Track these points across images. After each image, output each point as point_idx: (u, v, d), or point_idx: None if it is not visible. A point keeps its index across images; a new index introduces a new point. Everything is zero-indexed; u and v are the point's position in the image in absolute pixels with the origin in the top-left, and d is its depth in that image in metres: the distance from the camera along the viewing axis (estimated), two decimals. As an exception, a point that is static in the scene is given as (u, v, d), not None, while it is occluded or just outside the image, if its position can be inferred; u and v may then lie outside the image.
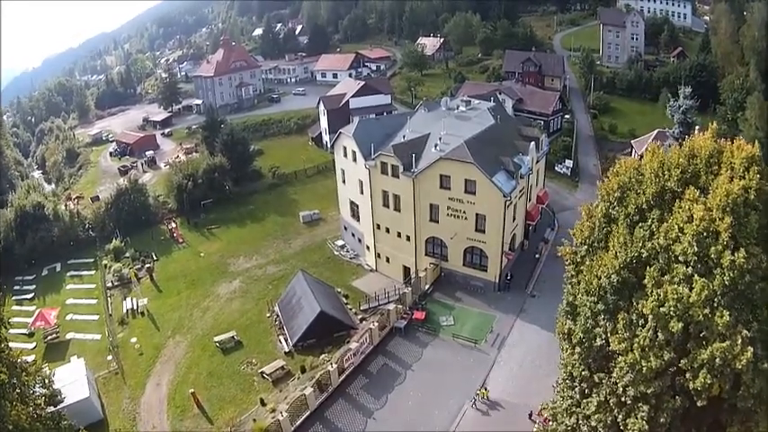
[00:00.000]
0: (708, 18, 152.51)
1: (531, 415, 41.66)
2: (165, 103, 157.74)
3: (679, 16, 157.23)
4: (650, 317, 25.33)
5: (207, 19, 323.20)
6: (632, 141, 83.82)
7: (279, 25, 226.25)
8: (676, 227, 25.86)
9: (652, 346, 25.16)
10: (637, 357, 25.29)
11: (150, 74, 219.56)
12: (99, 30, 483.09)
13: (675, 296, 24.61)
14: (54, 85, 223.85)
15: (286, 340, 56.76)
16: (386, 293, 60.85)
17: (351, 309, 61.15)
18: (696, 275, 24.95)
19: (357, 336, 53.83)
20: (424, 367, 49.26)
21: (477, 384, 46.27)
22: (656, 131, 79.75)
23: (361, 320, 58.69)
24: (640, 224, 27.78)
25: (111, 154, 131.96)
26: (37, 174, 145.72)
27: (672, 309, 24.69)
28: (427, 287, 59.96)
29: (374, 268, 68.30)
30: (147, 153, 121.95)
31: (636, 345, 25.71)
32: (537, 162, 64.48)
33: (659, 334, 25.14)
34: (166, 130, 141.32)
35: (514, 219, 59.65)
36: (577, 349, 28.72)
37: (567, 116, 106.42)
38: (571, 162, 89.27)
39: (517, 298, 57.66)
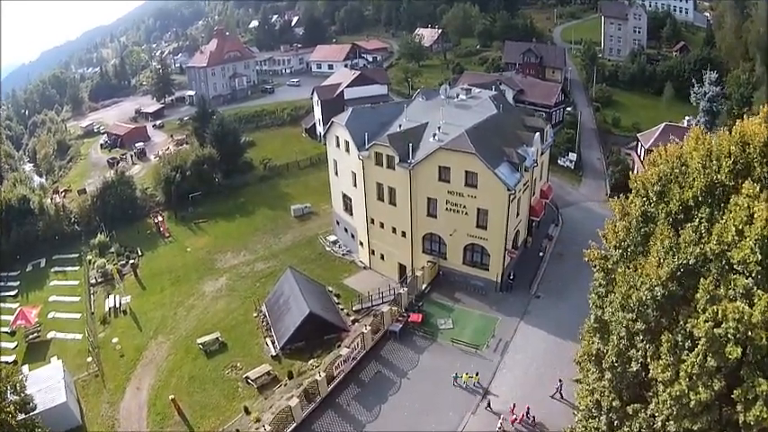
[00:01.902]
0: (708, 14, 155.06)
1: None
2: (158, 94, 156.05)
3: (680, 11, 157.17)
4: (702, 339, 21.01)
5: (203, 11, 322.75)
6: (638, 135, 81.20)
7: (275, 17, 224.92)
8: (733, 229, 21.43)
9: (701, 373, 21.01)
10: (684, 388, 21.13)
11: (146, 66, 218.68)
12: (97, 23, 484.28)
13: (735, 315, 20.17)
14: (48, 78, 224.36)
15: (273, 343, 54.07)
16: (380, 293, 57.98)
17: (342, 309, 58.42)
18: (758, 289, 20.62)
19: (349, 340, 50.54)
20: (420, 375, 45.73)
21: (478, 394, 43.13)
22: (663, 125, 77.28)
23: (354, 322, 55.81)
24: (686, 224, 23.49)
25: (101, 146, 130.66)
26: (28, 167, 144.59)
27: (730, 330, 20.25)
28: (424, 287, 56.65)
29: (368, 266, 65.71)
30: (136, 145, 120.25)
31: (682, 372, 21.56)
32: (542, 154, 61.19)
33: (709, 359, 20.92)
34: (158, 122, 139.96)
35: (518, 214, 56.37)
36: (608, 375, 24.58)
37: (569, 108, 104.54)
38: (575, 155, 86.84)
39: (520, 299, 54.41)
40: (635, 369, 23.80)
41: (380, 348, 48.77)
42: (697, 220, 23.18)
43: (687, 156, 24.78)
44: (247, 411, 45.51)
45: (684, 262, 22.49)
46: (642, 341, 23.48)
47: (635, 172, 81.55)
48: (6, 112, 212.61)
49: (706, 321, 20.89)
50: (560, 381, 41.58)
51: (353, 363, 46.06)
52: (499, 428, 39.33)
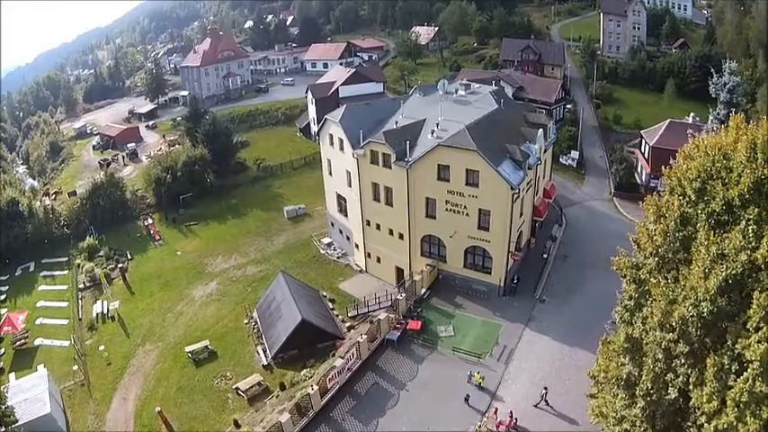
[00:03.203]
0: (706, 11, 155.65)
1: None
2: (152, 94, 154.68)
3: (679, 7, 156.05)
4: (755, 363, 18.08)
5: (199, 13, 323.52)
6: (642, 132, 79.38)
7: (270, 17, 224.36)
8: None
9: (749, 401, 18.21)
10: (732, 420, 18.30)
11: (140, 67, 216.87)
12: (92, 25, 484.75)
13: None
14: (43, 79, 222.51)
15: (264, 351, 51.71)
16: (377, 299, 55.59)
17: (338, 315, 56.04)
18: None
19: (344, 348, 47.97)
20: (420, 387, 43.17)
21: (483, 407, 40.74)
22: (668, 121, 75.43)
23: (349, 329, 53.30)
24: (732, 227, 20.45)
25: (93, 147, 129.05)
26: (22, 168, 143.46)
27: None
28: (423, 292, 54.26)
29: (364, 269, 63.45)
30: (128, 146, 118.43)
31: (729, 400, 18.69)
32: (545, 151, 58.90)
33: (758, 383, 18.10)
34: (151, 123, 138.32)
35: (521, 215, 54.08)
36: (641, 403, 21.54)
37: (569, 105, 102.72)
38: (577, 153, 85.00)
39: (525, 304, 51.95)
40: (672, 396, 20.87)
41: (377, 358, 46.32)
42: (743, 222, 20.12)
43: (729, 148, 21.63)
44: (237, 425, 43.19)
45: (734, 272, 19.46)
46: (683, 365, 20.54)
47: (639, 170, 79.91)
48: (0, 114, 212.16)
49: (759, 342, 18.01)
50: (545, 388, 39.95)
51: (348, 374, 43.59)
52: (479, 427, 38.30)
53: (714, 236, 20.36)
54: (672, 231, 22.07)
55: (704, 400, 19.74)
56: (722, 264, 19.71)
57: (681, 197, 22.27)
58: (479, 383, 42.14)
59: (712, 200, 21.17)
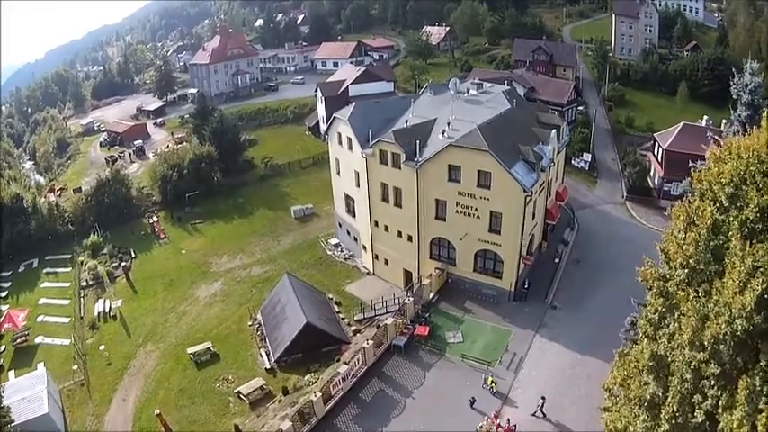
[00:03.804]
0: (717, 15, 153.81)
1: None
2: (160, 92, 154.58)
3: (691, 10, 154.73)
4: None
5: (209, 11, 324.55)
6: (655, 135, 78.22)
7: (280, 15, 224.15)
8: None
9: None
10: None
11: (150, 65, 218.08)
12: (103, 23, 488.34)
13: None
14: (52, 76, 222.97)
15: (268, 354, 50.70)
16: (384, 303, 54.42)
17: (344, 318, 54.89)
18: None
19: (349, 353, 46.77)
20: (427, 394, 41.85)
21: (491, 412, 39.34)
22: (681, 124, 74.23)
23: (355, 333, 52.17)
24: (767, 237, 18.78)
25: (100, 144, 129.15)
26: (28, 164, 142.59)
27: None
28: (432, 296, 52.95)
29: (371, 271, 62.33)
30: (135, 143, 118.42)
31: (760, 426, 17.23)
32: (558, 153, 57.51)
33: None
34: (159, 120, 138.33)
35: (534, 217, 52.69)
36: (665, 426, 20.03)
37: (580, 107, 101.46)
38: (589, 156, 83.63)
39: (536, 309, 50.53)
40: (699, 420, 19.35)
41: (383, 364, 45.02)
42: None
43: (762, 150, 19.88)
44: (238, 430, 41.98)
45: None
46: (713, 386, 18.95)
47: (652, 174, 78.41)
48: (9, 110, 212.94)
49: None
50: (543, 398, 38.78)
51: (353, 380, 42.32)
52: (479, 428, 37.75)
53: (748, 246, 18.73)
54: (703, 240, 20.45)
55: (734, 425, 18.22)
56: (758, 277, 18.06)
57: (712, 203, 20.72)
58: (492, 389, 41.17)
59: (746, 206, 19.60)
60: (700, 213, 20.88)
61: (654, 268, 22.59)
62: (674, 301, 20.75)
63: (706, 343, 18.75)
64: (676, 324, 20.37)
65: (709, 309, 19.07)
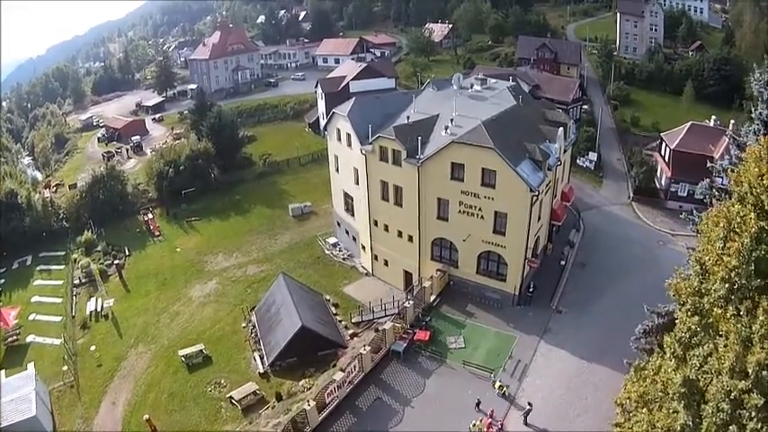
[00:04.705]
0: (721, 15, 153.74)
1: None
2: (160, 87, 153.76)
3: (695, 10, 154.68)
4: None
5: (211, 7, 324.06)
6: (662, 134, 76.86)
7: (282, 12, 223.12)
8: None
9: None
10: None
11: (151, 60, 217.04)
12: (105, 19, 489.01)
13: None
14: (52, 71, 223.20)
15: (262, 358, 49.14)
16: (383, 305, 52.84)
17: (341, 321, 53.35)
18: None
19: (345, 359, 45.06)
20: (426, 404, 40.16)
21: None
22: (689, 124, 72.76)
23: (352, 337, 50.59)
24: None
25: (98, 139, 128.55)
26: (27, 160, 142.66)
27: None
28: (433, 299, 51.31)
29: (370, 272, 60.88)
30: (133, 138, 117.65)
31: None
32: (564, 152, 55.77)
33: None
34: (157, 115, 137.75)
35: (540, 218, 51.05)
36: None
37: (585, 106, 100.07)
38: (595, 155, 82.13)
39: (541, 314, 48.87)
40: None
41: (381, 371, 43.33)
42: None
43: None
44: (229, 438, 40.55)
45: None
46: (753, 418, 16.81)
47: (658, 174, 76.70)
48: (8, 105, 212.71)
49: None
50: (530, 404, 37.62)
51: (349, 387, 40.60)
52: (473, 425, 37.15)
53: None
54: (747, 251, 18.07)
55: None
56: None
57: (753, 207, 18.54)
58: (504, 393, 40.03)
59: None
60: (744, 220, 18.60)
61: (687, 281, 20.40)
62: (710, 320, 18.62)
63: (750, 370, 16.73)
64: (711, 345, 18.30)
65: (753, 331, 16.97)
